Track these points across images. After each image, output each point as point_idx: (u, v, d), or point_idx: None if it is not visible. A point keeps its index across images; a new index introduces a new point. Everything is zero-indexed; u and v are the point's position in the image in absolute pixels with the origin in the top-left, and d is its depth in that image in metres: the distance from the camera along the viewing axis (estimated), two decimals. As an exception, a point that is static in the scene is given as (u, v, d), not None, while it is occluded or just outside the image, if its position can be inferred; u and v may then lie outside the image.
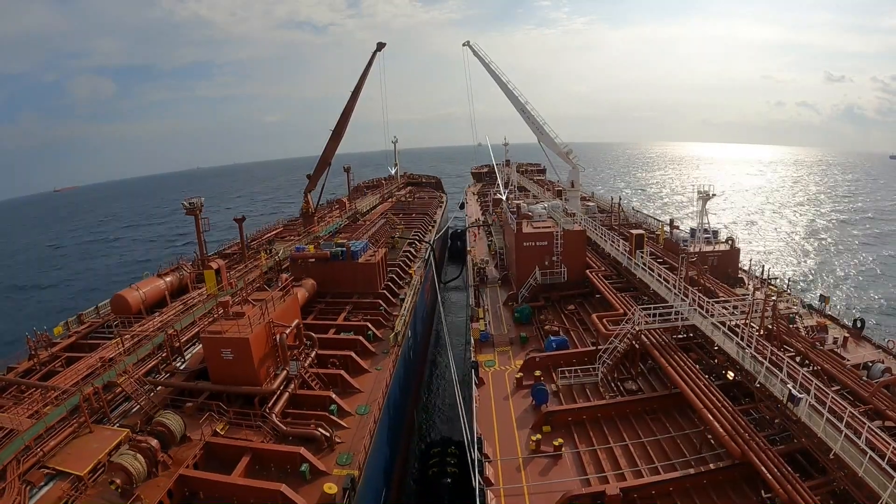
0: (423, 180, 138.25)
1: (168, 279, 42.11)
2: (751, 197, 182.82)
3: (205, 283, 42.26)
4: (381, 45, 71.42)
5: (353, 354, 32.38)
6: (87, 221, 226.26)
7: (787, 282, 42.72)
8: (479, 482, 20.75)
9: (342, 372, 30.39)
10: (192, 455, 22.21)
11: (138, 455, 20.29)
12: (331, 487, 20.81)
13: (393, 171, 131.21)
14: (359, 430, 25.71)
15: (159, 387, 27.82)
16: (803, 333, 29.95)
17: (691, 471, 20.52)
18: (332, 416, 26.18)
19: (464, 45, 71.47)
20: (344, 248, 43.88)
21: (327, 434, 24.30)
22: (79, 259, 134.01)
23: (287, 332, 28.47)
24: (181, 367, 29.40)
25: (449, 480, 29.54)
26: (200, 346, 28.93)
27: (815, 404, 19.20)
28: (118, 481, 19.44)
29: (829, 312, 35.82)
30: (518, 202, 51.44)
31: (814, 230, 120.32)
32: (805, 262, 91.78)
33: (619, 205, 67.90)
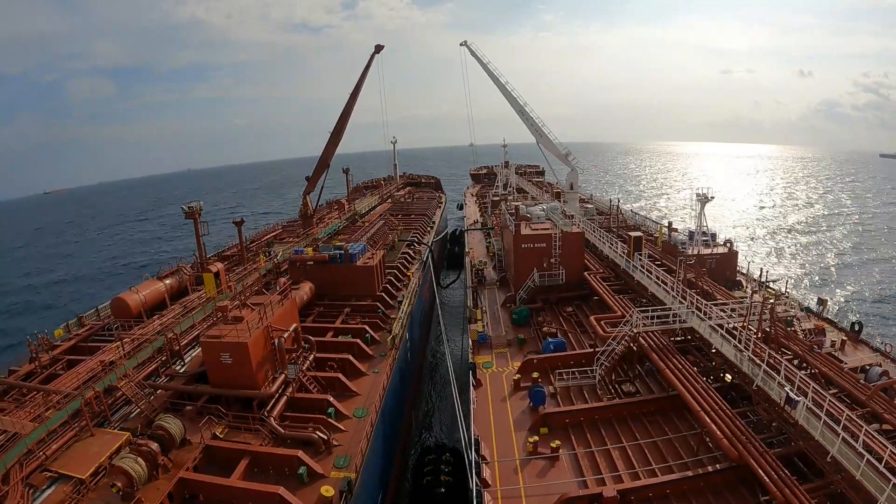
0: (423, 181, 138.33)
1: (168, 282, 42.13)
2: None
3: (204, 285, 42.30)
4: (379, 48, 71.37)
5: (351, 357, 32.46)
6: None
7: (785, 285, 42.79)
8: (476, 484, 20.79)
9: (340, 375, 30.48)
10: (191, 458, 22.41)
11: (139, 458, 20.53)
12: (328, 490, 20.91)
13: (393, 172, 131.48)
14: (356, 433, 25.81)
15: (159, 390, 27.94)
16: (801, 336, 30.00)
17: (688, 473, 20.61)
18: (329, 420, 26.32)
19: (461, 44, 70.48)
20: (342, 251, 43.92)
21: (325, 437, 24.39)
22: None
23: (285, 335, 28.55)
24: (181, 371, 29.57)
25: (443, 490, 29.56)
26: (200, 349, 29.03)
27: (813, 407, 19.21)
28: (119, 484, 19.65)
29: (827, 315, 35.89)
30: (516, 204, 51.51)
31: (812, 231, 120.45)
32: (804, 264, 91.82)
33: (618, 207, 67.92)
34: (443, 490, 29.58)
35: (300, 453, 22.63)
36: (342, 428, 26.16)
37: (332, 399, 27.82)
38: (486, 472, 21.78)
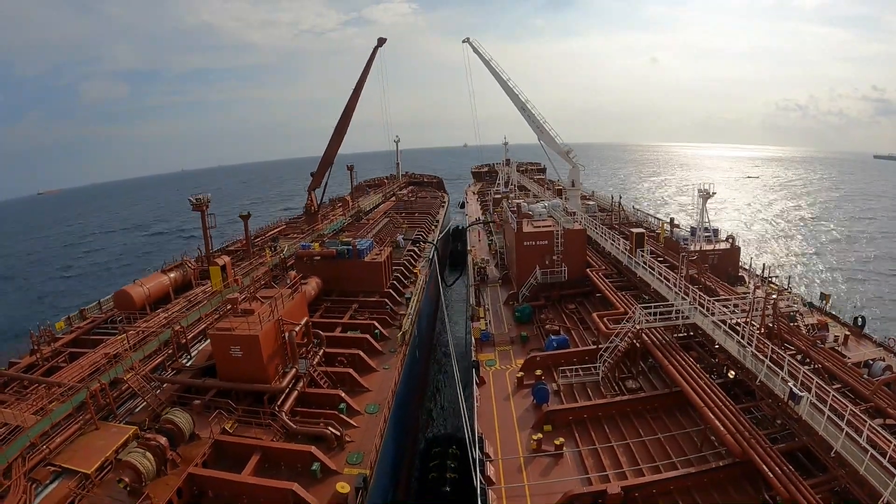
0: (426, 180, 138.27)
1: (172, 275, 41.98)
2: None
3: (208, 279, 42.12)
4: (381, 41, 70.97)
5: (361, 353, 32.37)
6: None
7: (788, 280, 42.85)
8: (481, 481, 20.78)
9: (351, 370, 30.40)
10: (201, 453, 22.20)
11: (147, 453, 20.27)
12: (343, 487, 20.76)
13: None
14: (368, 429, 25.70)
15: (166, 384, 27.82)
16: (804, 332, 30.03)
17: (692, 469, 20.68)
18: (341, 415, 26.15)
19: (464, 41, 69.58)
20: (350, 247, 43.87)
21: (338, 433, 24.29)
22: None
23: (296, 329, 28.42)
24: (188, 364, 29.43)
25: (448, 489, 29.42)
26: (207, 342, 28.87)
27: (816, 402, 19.29)
28: (127, 479, 19.40)
29: (830, 310, 35.94)
30: (518, 201, 51.43)
31: (815, 228, 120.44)
32: (806, 259, 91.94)
33: (620, 203, 67.91)
34: (448, 489, 29.51)
35: (313, 449, 22.44)
36: (354, 424, 26.00)
37: (343, 394, 27.68)
38: (490, 470, 21.79)
